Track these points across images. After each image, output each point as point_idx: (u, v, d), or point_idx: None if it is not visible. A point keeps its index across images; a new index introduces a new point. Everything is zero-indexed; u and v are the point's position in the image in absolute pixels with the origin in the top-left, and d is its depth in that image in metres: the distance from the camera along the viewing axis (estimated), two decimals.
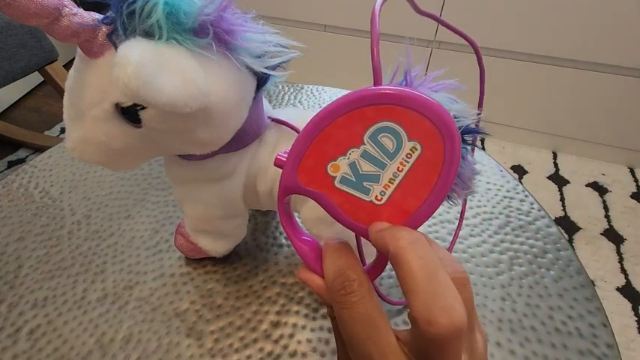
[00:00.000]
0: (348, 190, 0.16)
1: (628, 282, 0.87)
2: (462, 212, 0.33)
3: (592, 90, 1.04)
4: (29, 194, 0.42)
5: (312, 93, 0.56)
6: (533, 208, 0.40)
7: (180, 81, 0.18)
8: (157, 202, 0.40)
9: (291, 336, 0.30)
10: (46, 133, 1.28)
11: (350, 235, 0.20)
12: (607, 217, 1.00)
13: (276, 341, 0.30)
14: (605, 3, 0.91)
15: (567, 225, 0.98)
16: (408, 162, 0.15)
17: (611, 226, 0.98)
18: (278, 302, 0.32)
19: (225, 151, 0.26)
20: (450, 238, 0.37)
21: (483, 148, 1.22)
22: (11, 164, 1.15)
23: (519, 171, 1.13)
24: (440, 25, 1.06)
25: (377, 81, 0.15)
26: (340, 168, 0.16)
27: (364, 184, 0.16)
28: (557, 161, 1.16)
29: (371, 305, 0.15)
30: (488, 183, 0.43)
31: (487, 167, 0.45)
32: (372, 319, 0.14)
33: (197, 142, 0.23)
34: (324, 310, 0.32)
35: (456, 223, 0.36)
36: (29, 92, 1.46)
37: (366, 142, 0.15)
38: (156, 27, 0.18)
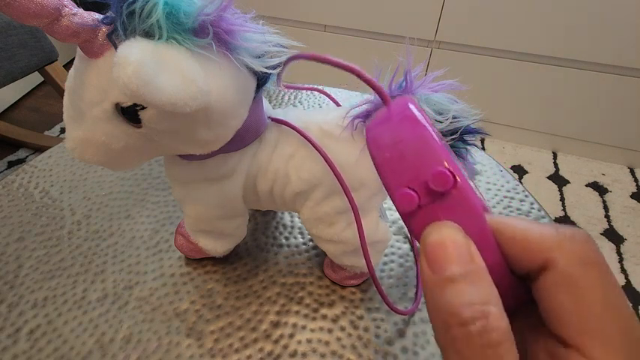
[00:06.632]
0: None
1: (628, 282, 0.87)
2: None
3: (592, 90, 1.04)
4: (29, 194, 0.42)
5: (312, 93, 0.56)
6: (533, 208, 0.40)
7: (180, 80, 0.18)
8: (157, 202, 0.40)
9: (291, 336, 0.30)
10: (46, 133, 1.28)
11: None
12: (607, 217, 1.00)
13: (276, 341, 0.30)
14: (605, 3, 0.91)
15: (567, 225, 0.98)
16: None
17: (611, 226, 0.98)
18: (278, 302, 0.32)
19: (225, 151, 0.26)
20: None
21: (483, 148, 1.22)
22: (11, 164, 1.15)
23: (519, 171, 1.13)
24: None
25: None
26: None
27: None
28: (557, 161, 1.16)
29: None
30: (488, 183, 0.43)
31: (487, 167, 0.45)
32: None
33: (197, 141, 0.23)
34: (324, 311, 0.32)
35: None
36: (29, 92, 1.46)
37: None
38: (156, 27, 0.18)
